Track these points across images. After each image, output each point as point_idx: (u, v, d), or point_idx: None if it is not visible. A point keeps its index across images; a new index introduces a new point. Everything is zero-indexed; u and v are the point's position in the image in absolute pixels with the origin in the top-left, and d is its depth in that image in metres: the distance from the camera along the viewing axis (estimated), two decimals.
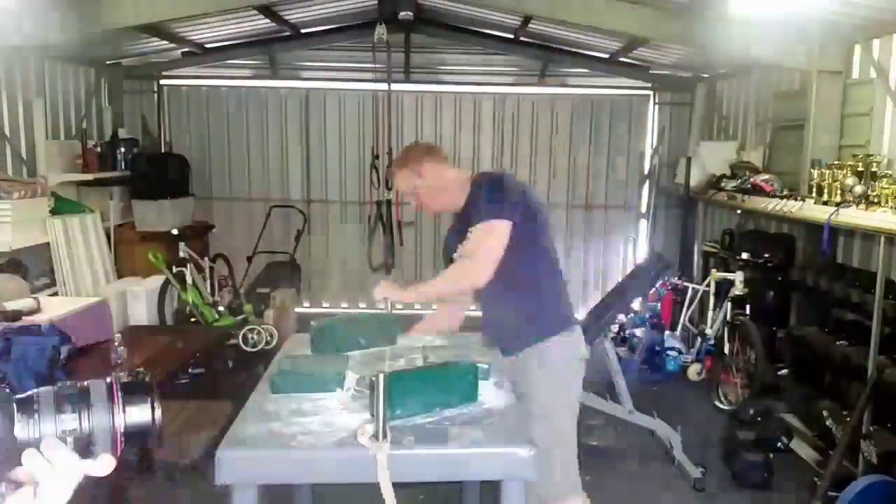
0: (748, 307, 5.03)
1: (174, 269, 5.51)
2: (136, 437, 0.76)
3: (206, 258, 6.01)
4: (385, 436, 1.54)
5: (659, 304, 5.76)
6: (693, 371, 5.44)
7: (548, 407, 2.36)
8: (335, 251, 7.61)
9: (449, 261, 2.57)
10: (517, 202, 2.37)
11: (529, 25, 6.22)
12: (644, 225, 7.62)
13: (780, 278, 5.09)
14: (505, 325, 2.47)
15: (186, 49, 6.84)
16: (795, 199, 4.46)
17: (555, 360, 2.41)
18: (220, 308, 5.71)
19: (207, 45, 6.89)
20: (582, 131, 7.46)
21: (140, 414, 0.76)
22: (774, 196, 4.77)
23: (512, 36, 6.93)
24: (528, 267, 2.41)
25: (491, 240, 2.30)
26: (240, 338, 5.50)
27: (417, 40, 7.23)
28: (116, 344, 3.83)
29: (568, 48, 7.03)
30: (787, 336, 4.81)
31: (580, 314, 6.39)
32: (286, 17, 6.33)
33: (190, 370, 5.23)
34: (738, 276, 5.06)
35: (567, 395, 2.44)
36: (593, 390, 4.13)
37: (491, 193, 2.36)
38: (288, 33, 6.84)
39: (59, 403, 0.75)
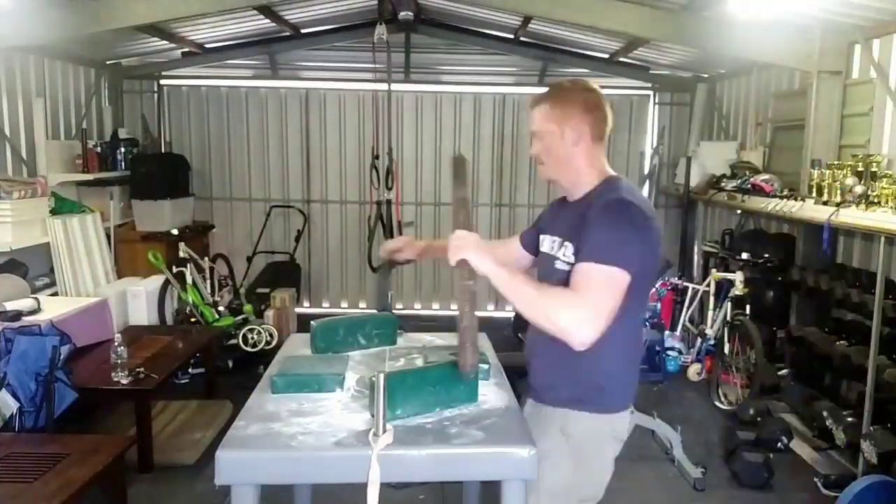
0: (748, 307, 5.03)
1: (174, 269, 5.51)
2: None
3: (206, 258, 6.01)
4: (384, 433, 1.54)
5: (659, 304, 5.76)
6: (693, 371, 5.44)
7: (564, 488, 1.93)
8: (335, 251, 7.62)
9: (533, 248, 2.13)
10: (647, 248, 1.82)
11: (529, 25, 6.22)
12: None
13: (780, 278, 5.09)
14: (552, 381, 1.96)
15: (186, 49, 6.84)
16: (795, 199, 4.46)
17: (592, 439, 1.94)
18: (220, 308, 5.71)
19: (207, 45, 6.89)
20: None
21: None
22: (774, 196, 4.77)
23: (512, 36, 6.93)
24: (616, 330, 1.79)
25: (608, 293, 1.72)
26: (240, 338, 5.51)
27: (417, 40, 7.23)
28: (116, 344, 3.84)
29: (568, 48, 7.03)
30: (787, 336, 4.81)
31: None
32: (286, 17, 6.33)
33: (190, 370, 5.24)
34: (738, 276, 5.07)
35: (591, 486, 1.99)
36: None
37: (624, 226, 1.78)
38: (288, 33, 6.84)
39: None
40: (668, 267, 4.82)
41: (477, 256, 1.72)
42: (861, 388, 3.68)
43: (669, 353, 5.55)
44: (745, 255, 5.27)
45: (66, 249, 5.26)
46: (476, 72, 7.39)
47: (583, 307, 1.70)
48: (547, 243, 2.04)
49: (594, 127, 1.93)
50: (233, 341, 5.52)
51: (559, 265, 1.91)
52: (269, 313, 5.97)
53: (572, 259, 1.85)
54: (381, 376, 1.57)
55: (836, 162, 4.25)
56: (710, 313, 5.46)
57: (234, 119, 7.42)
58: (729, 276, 5.22)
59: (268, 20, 6.13)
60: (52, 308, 4.36)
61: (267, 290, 6.32)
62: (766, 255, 5.18)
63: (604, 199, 1.85)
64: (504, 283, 1.74)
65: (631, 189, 1.93)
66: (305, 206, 7.46)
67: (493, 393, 1.90)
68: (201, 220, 7.13)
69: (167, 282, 5.55)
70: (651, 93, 7.45)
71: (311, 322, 2.21)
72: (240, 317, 5.75)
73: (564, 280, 1.83)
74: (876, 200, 3.68)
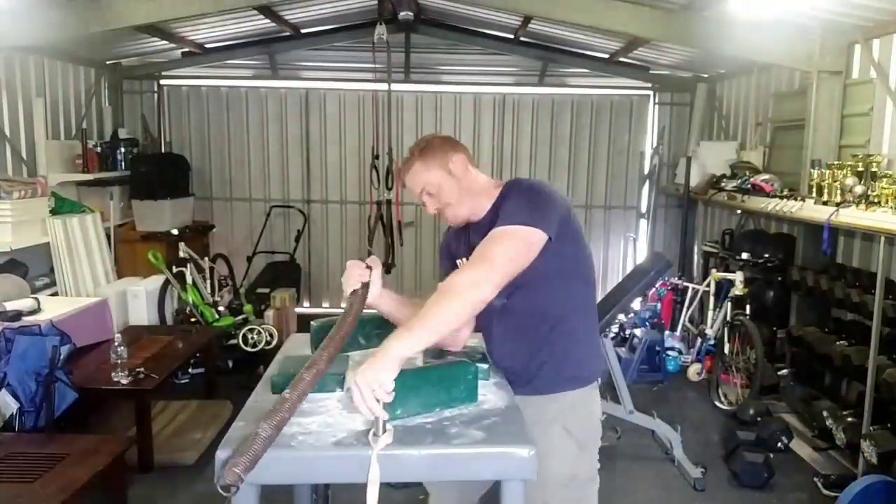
0: (748, 307, 5.04)
1: (174, 269, 5.51)
2: None
3: (206, 258, 6.01)
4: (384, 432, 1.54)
5: (659, 304, 5.76)
6: (693, 371, 5.45)
7: (571, 476, 1.99)
8: (335, 251, 7.62)
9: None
10: (558, 213, 1.88)
11: (529, 25, 6.22)
12: (644, 225, 7.63)
13: (780, 278, 5.10)
14: (520, 363, 2.01)
15: (186, 49, 6.84)
16: (795, 199, 4.46)
17: (585, 421, 2.04)
18: (220, 308, 5.71)
19: (207, 45, 6.89)
20: (582, 131, 7.46)
21: None
22: (774, 196, 4.77)
23: (512, 36, 6.93)
24: (564, 297, 1.97)
25: (512, 244, 1.80)
26: (240, 338, 5.50)
27: (417, 40, 7.23)
28: (116, 344, 3.84)
29: (568, 48, 7.03)
30: (787, 336, 4.82)
31: None
32: (286, 17, 6.34)
33: (190, 370, 5.24)
34: (738, 276, 5.07)
35: (592, 462, 2.06)
36: None
37: (524, 197, 1.87)
38: (288, 33, 6.85)
39: None
40: (668, 267, 4.81)
41: (386, 376, 1.56)
42: (861, 388, 3.68)
43: (669, 353, 5.56)
44: (745, 255, 5.27)
45: (66, 249, 5.26)
46: (476, 72, 7.39)
47: (478, 263, 1.77)
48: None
49: (465, 154, 2.04)
50: (233, 341, 5.52)
51: None
52: (269, 313, 5.97)
53: None
54: None
55: (836, 162, 4.25)
56: (710, 313, 5.46)
57: (234, 119, 7.42)
58: (729, 276, 5.22)
59: (268, 20, 6.14)
60: (52, 308, 4.36)
61: (267, 290, 6.32)
62: (766, 255, 5.18)
63: (512, 190, 1.95)
64: (425, 334, 1.68)
65: (524, 179, 2.04)
66: (305, 206, 7.46)
67: (492, 393, 1.90)
68: (201, 220, 7.13)
69: (167, 282, 5.55)
70: (651, 93, 7.45)
71: (311, 322, 2.21)
72: (240, 317, 5.75)
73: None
74: (876, 200, 3.68)
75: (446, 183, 1.98)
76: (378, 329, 2.35)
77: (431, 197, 2.00)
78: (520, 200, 1.87)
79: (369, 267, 1.96)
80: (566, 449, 1.99)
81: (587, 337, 2.09)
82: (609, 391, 4.12)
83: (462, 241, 2.09)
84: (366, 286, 1.93)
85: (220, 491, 1.36)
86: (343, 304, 1.92)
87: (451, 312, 1.72)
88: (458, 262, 2.09)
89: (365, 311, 1.98)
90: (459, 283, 1.74)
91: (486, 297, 1.75)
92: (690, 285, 5.84)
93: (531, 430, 1.70)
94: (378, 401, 1.53)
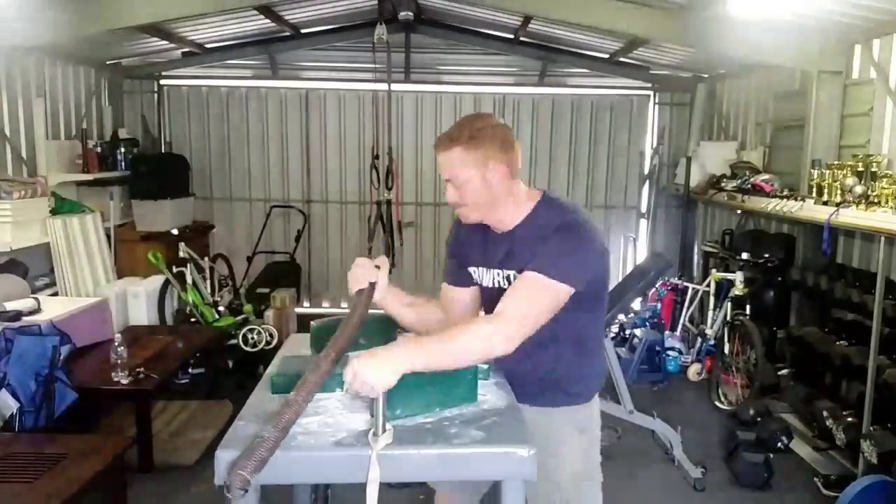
0: (748, 307, 5.04)
1: (174, 269, 5.51)
2: None
3: (206, 258, 6.01)
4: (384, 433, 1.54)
5: (659, 304, 5.76)
6: (693, 371, 5.45)
7: (584, 474, 2.09)
8: (335, 251, 7.62)
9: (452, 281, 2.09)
10: (594, 260, 1.89)
11: (529, 25, 6.22)
12: (644, 225, 7.63)
13: (780, 278, 5.09)
14: (531, 376, 2.00)
15: (186, 49, 6.84)
16: (795, 199, 4.46)
17: (594, 423, 2.13)
18: (220, 308, 5.71)
19: (207, 45, 6.89)
20: (582, 131, 7.46)
21: None
22: (774, 196, 4.78)
23: (512, 36, 6.93)
24: (585, 323, 2.00)
25: (545, 302, 1.78)
26: (240, 338, 5.50)
27: (417, 40, 7.23)
28: (116, 344, 3.84)
29: (568, 48, 7.03)
30: (787, 336, 4.82)
31: None
32: (286, 18, 6.33)
33: (190, 370, 5.24)
34: (738, 276, 5.07)
35: (598, 456, 2.16)
36: None
37: (569, 245, 1.82)
38: (288, 33, 6.85)
39: None
40: (668, 267, 4.83)
41: (383, 381, 1.54)
42: (861, 388, 3.68)
43: (669, 353, 5.55)
44: (745, 255, 5.27)
45: (66, 249, 5.26)
46: (476, 72, 7.39)
47: (503, 320, 1.73)
48: (490, 277, 2.01)
49: (511, 165, 1.89)
50: (233, 341, 5.52)
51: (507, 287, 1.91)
52: (269, 313, 5.97)
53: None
54: None
55: (836, 162, 4.25)
56: (710, 313, 5.46)
57: (234, 119, 7.42)
58: (729, 276, 5.22)
59: (268, 20, 6.14)
60: (52, 308, 4.35)
61: (267, 290, 6.32)
62: (766, 255, 5.18)
63: (556, 221, 1.86)
64: (425, 360, 1.63)
65: (574, 206, 1.96)
66: (305, 206, 7.46)
67: (492, 393, 1.90)
68: (201, 220, 7.13)
69: (167, 282, 5.55)
70: (651, 93, 7.45)
71: (311, 322, 2.21)
72: (240, 317, 5.75)
73: None
74: (876, 200, 3.68)
75: (477, 185, 1.87)
76: (377, 329, 2.35)
77: (455, 189, 1.90)
78: (564, 247, 1.82)
79: (377, 266, 1.95)
80: (580, 447, 2.07)
81: (597, 355, 2.14)
82: (609, 391, 4.12)
83: (478, 246, 2.03)
84: (373, 286, 1.93)
85: (227, 494, 1.36)
86: (346, 302, 1.92)
87: (464, 356, 1.71)
88: (473, 270, 2.05)
89: (369, 311, 1.98)
90: (484, 334, 1.72)
91: (505, 353, 1.74)
92: (690, 285, 5.84)
93: (545, 437, 1.80)
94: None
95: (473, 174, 1.86)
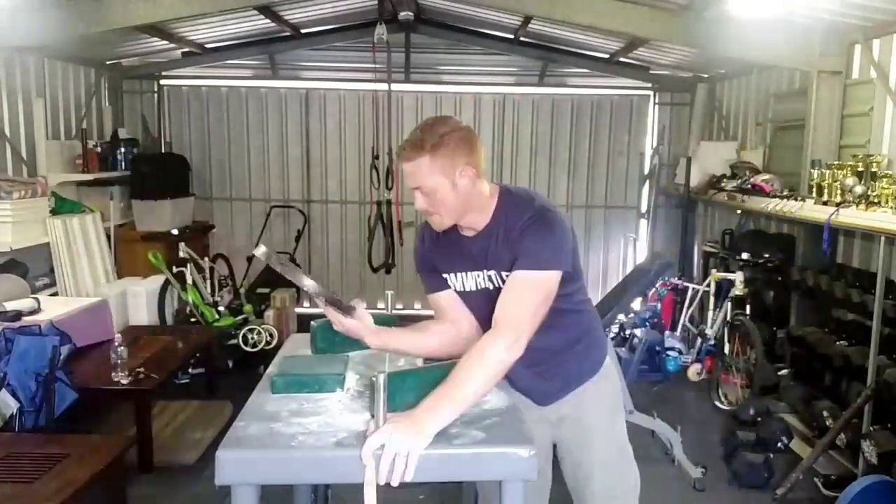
0: (748, 307, 5.03)
1: (174, 269, 5.51)
2: None
3: (206, 258, 6.01)
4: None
5: (659, 304, 5.76)
6: (693, 371, 5.44)
7: (622, 446, 2.25)
8: (335, 251, 7.62)
9: (432, 274, 2.06)
10: (569, 243, 1.94)
11: (529, 26, 6.21)
12: (644, 225, 7.63)
13: (780, 278, 5.09)
14: (548, 372, 2.09)
15: (186, 49, 6.84)
16: (795, 199, 4.46)
17: (613, 385, 2.25)
18: (220, 308, 5.71)
19: (207, 45, 6.89)
20: (582, 131, 7.46)
21: None
22: (774, 196, 4.77)
23: (512, 36, 6.93)
24: (573, 305, 2.06)
25: (538, 296, 1.83)
26: (240, 338, 5.50)
27: (417, 40, 7.23)
28: (116, 344, 3.84)
29: (568, 48, 7.03)
30: (787, 336, 4.81)
31: None
32: (286, 18, 6.33)
33: (190, 370, 5.24)
34: (738, 276, 5.06)
35: (622, 419, 2.30)
36: None
37: (545, 235, 1.86)
38: (288, 33, 6.84)
39: None
40: (668, 267, 4.83)
41: (412, 444, 1.52)
42: (861, 388, 3.68)
43: (669, 353, 5.54)
44: (745, 255, 5.27)
45: (66, 249, 5.26)
46: (476, 72, 7.39)
47: (510, 330, 1.77)
48: (472, 280, 2.00)
49: (478, 166, 1.89)
50: (233, 341, 5.52)
51: (494, 289, 1.96)
52: (269, 313, 5.97)
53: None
54: (381, 376, 1.57)
55: (836, 162, 4.24)
56: (710, 313, 5.46)
57: (234, 119, 7.42)
58: (729, 276, 5.22)
59: (268, 20, 6.13)
60: (52, 308, 4.35)
61: (267, 290, 6.32)
62: (766, 255, 5.18)
63: (523, 216, 1.88)
64: (453, 410, 1.63)
65: (532, 194, 1.99)
66: (305, 206, 7.46)
67: (493, 393, 1.90)
68: (201, 220, 7.13)
69: (167, 282, 5.55)
70: (651, 93, 7.45)
71: (311, 322, 2.21)
72: (240, 317, 5.75)
73: None
74: (876, 200, 3.67)
75: (446, 193, 1.85)
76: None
77: (425, 197, 1.88)
78: (539, 236, 1.85)
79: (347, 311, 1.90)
80: (616, 421, 2.25)
81: (595, 322, 2.22)
82: None
83: (450, 253, 2.02)
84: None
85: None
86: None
87: (486, 386, 1.73)
88: (449, 276, 2.03)
89: (369, 311, 1.98)
90: (493, 357, 1.74)
91: (517, 356, 1.79)
92: (690, 285, 5.84)
93: (579, 421, 2.11)
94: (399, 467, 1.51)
95: (442, 181, 1.84)
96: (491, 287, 1.96)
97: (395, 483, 1.50)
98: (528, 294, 1.82)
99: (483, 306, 1.95)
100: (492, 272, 1.96)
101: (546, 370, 2.08)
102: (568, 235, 1.92)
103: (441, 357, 1.93)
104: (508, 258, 1.88)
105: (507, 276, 1.89)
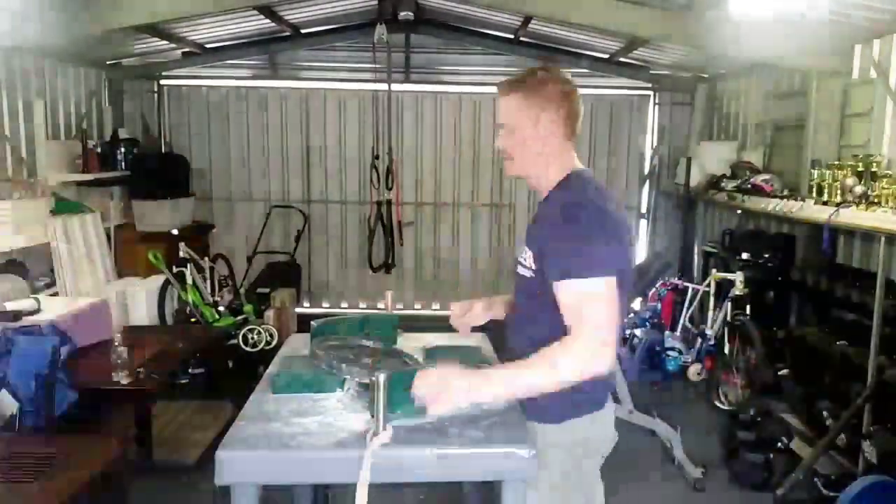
0: (748, 307, 5.03)
1: (174, 269, 5.51)
2: None
3: (206, 258, 6.01)
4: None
5: (659, 304, 5.75)
6: (693, 371, 5.44)
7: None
8: (335, 251, 7.62)
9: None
10: (616, 244, 1.72)
11: (529, 25, 6.22)
12: (644, 225, 7.63)
13: (780, 278, 5.09)
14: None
15: (186, 49, 6.84)
16: (795, 200, 4.46)
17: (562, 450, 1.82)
18: (220, 308, 5.71)
19: (207, 45, 6.89)
20: (582, 131, 7.44)
21: None
22: (774, 196, 4.77)
23: (512, 36, 6.93)
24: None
25: (604, 310, 1.62)
26: (240, 338, 5.50)
27: (417, 40, 7.23)
28: (116, 344, 3.83)
29: (568, 48, 7.03)
30: (787, 336, 4.81)
31: None
32: (286, 18, 6.33)
33: (190, 370, 5.24)
34: (738, 276, 5.06)
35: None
36: None
37: (596, 230, 1.67)
38: (288, 33, 6.84)
39: None
40: (667, 267, 4.83)
41: (463, 396, 1.59)
42: (861, 388, 3.68)
43: (669, 353, 5.54)
44: (745, 256, 5.27)
45: (66, 249, 5.26)
46: (476, 72, 7.39)
47: (578, 343, 1.61)
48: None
49: (567, 122, 1.82)
50: (233, 341, 5.52)
51: (520, 270, 1.82)
52: (269, 313, 5.97)
53: (530, 265, 1.76)
54: (382, 376, 1.57)
55: (836, 162, 4.25)
56: (710, 313, 5.45)
57: (234, 119, 7.42)
58: (729, 276, 5.21)
59: (268, 20, 6.13)
60: (52, 308, 4.35)
61: (267, 290, 6.32)
62: (766, 256, 5.18)
63: (558, 203, 1.75)
64: (500, 393, 1.67)
65: (585, 185, 1.81)
66: (305, 206, 7.46)
67: None
68: (201, 220, 7.13)
69: (167, 282, 5.55)
70: (651, 93, 7.45)
71: (311, 322, 2.21)
72: (240, 317, 5.75)
73: (526, 287, 1.80)
74: (876, 200, 3.68)
75: (524, 136, 1.79)
76: (378, 329, 2.35)
77: (506, 135, 1.83)
78: (589, 231, 1.66)
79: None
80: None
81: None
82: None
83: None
84: None
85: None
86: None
87: (542, 387, 1.65)
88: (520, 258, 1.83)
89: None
90: (563, 366, 1.61)
91: (599, 373, 1.66)
92: (690, 285, 5.83)
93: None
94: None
95: (525, 124, 1.79)
96: (518, 268, 1.83)
97: (433, 412, 1.60)
98: (588, 308, 1.62)
99: (518, 293, 1.87)
100: (526, 253, 1.80)
101: None
102: (607, 232, 1.69)
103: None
104: (532, 240, 1.77)
105: (525, 259, 1.79)
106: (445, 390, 1.57)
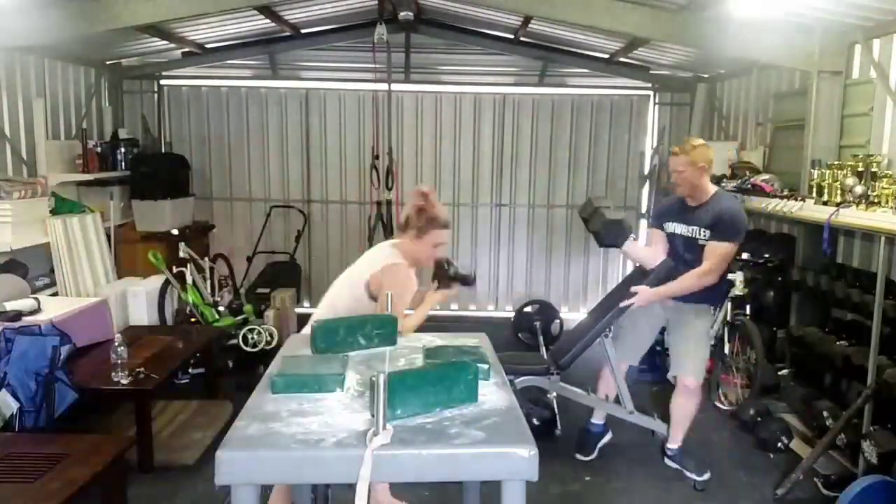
0: (748, 307, 5.03)
1: (174, 269, 5.51)
2: None
3: (206, 258, 6.01)
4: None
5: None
6: None
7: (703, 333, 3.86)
8: (335, 251, 7.62)
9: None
10: (742, 228, 3.64)
11: (529, 25, 6.22)
12: (644, 225, 7.62)
13: (780, 278, 5.09)
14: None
15: (186, 49, 6.84)
16: (795, 199, 4.46)
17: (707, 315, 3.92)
18: (220, 308, 5.71)
19: (207, 45, 6.89)
20: (582, 131, 7.46)
21: None
22: (774, 196, 4.77)
23: (512, 36, 6.93)
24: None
25: (726, 259, 3.62)
26: (240, 338, 5.50)
27: (417, 40, 7.23)
28: (116, 344, 3.84)
29: (568, 48, 7.03)
30: (787, 336, 4.82)
31: (580, 314, 6.38)
32: (286, 18, 6.33)
33: (190, 370, 5.24)
34: (738, 276, 5.06)
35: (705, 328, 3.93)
36: (593, 390, 4.13)
37: (740, 223, 3.61)
38: (288, 33, 6.84)
39: None
40: (667, 267, 4.82)
41: (653, 294, 3.70)
42: (861, 388, 3.68)
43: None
44: (745, 255, 5.26)
45: (66, 249, 5.26)
46: (476, 72, 7.39)
47: (709, 274, 3.58)
48: (682, 229, 3.71)
49: (707, 170, 3.62)
50: (233, 341, 5.52)
51: (701, 242, 3.63)
52: (269, 313, 5.97)
53: (705, 236, 3.63)
54: (381, 376, 1.57)
55: (836, 162, 4.25)
56: None
57: (234, 119, 7.43)
58: (729, 276, 5.21)
59: (268, 20, 6.14)
60: (52, 308, 4.36)
61: (267, 290, 6.32)
62: (766, 255, 5.17)
63: (724, 206, 3.62)
64: (671, 292, 3.69)
65: (729, 197, 3.91)
66: (305, 206, 7.46)
67: (493, 393, 1.90)
68: (201, 220, 7.14)
69: (167, 282, 5.55)
70: (651, 93, 7.45)
71: (312, 322, 2.21)
72: (240, 317, 5.75)
73: (695, 247, 3.67)
74: (876, 200, 3.68)
75: (688, 176, 3.61)
76: (378, 329, 2.35)
77: (679, 174, 3.63)
78: (734, 225, 3.59)
79: None
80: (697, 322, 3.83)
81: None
82: None
83: (676, 212, 3.77)
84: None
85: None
86: None
87: (684, 290, 3.65)
88: (668, 223, 3.80)
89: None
90: (696, 281, 3.61)
91: (711, 285, 3.66)
92: None
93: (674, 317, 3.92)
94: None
95: (689, 169, 3.59)
96: (691, 236, 3.68)
97: (638, 302, 3.72)
98: (721, 258, 3.58)
99: (681, 245, 3.74)
100: (697, 227, 3.65)
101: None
102: (743, 225, 3.64)
103: (648, 262, 3.81)
104: (707, 225, 3.59)
105: (702, 232, 3.62)
106: (654, 295, 3.66)
